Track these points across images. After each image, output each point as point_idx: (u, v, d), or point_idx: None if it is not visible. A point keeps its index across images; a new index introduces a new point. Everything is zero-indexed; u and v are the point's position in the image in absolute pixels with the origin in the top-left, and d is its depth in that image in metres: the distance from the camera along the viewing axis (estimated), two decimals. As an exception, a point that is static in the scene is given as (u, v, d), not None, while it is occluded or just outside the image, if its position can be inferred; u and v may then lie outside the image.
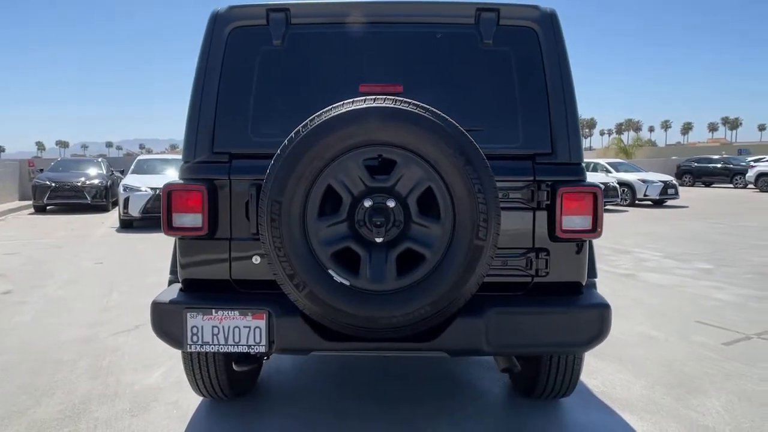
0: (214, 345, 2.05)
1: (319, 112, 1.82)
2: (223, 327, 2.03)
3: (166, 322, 2.07)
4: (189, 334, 2.04)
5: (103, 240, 9.00)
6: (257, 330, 2.03)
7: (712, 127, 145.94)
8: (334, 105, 1.82)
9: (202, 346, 2.05)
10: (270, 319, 2.01)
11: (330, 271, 1.81)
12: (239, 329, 2.03)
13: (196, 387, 2.62)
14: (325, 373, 3.28)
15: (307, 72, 2.18)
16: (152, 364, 3.38)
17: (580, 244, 2.12)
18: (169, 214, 2.10)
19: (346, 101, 1.81)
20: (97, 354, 3.56)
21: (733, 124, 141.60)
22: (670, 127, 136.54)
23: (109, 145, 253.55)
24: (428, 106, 1.79)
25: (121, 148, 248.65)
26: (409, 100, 1.79)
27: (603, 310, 2.03)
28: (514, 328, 1.99)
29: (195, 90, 2.18)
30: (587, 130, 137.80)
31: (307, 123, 1.81)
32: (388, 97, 1.80)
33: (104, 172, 13.99)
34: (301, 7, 2.16)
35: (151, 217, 10.06)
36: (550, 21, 2.15)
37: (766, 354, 3.44)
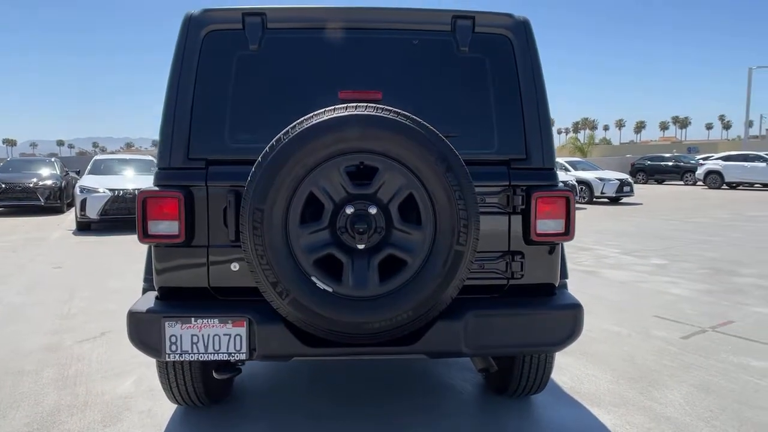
0: (194, 354, 2.02)
1: (300, 120, 1.83)
2: (202, 335, 2.01)
3: (144, 331, 2.03)
4: (167, 343, 2.01)
5: (60, 243, 8.65)
6: (237, 337, 2.02)
7: (664, 126, 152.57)
8: (315, 112, 1.83)
9: (181, 355, 2.02)
10: (251, 326, 2.01)
11: (313, 278, 1.83)
12: (219, 337, 2.02)
13: (171, 395, 2.58)
14: (298, 374, 3.27)
15: (284, 78, 2.18)
16: (122, 372, 3.29)
17: (553, 246, 2.20)
18: (145, 221, 2.05)
19: (327, 108, 1.83)
20: (63, 363, 3.44)
21: (683, 123, 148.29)
22: (624, 125, 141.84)
23: (60, 143, 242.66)
24: (409, 114, 1.83)
25: (74, 147, 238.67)
26: (390, 108, 1.82)
27: (576, 310, 2.12)
28: (491, 329, 2.05)
29: (169, 94, 2.14)
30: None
31: (288, 130, 1.81)
32: (369, 104, 1.82)
33: (58, 172, 13.44)
34: (277, 11, 2.16)
35: (110, 220, 9.75)
36: (523, 29, 2.22)
37: (722, 346, 3.65)
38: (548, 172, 2.20)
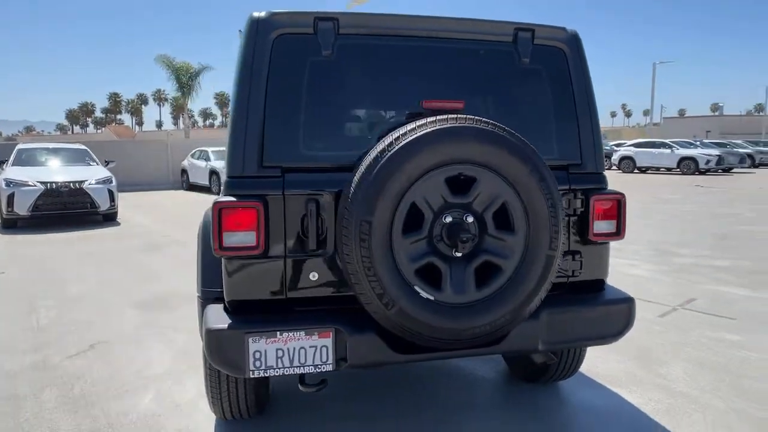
0: (279, 368, 1.98)
1: (401, 131, 1.82)
2: (287, 349, 1.97)
3: (226, 349, 1.95)
4: (251, 359, 1.95)
5: (-12, 245, 7.81)
6: (324, 349, 2.00)
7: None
8: (417, 123, 1.83)
9: (266, 370, 1.97)
10: (338, 336, 1.99)
11: (416, 287, 1.85)
12: (305, 350, 1.99)
13: (220, 408, 2.49)
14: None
15: (355, 84, 2.15)
16: (134, 388, 3.10)
17: (605, 245, 2.37)
18: (220, 232, 1.96)
19: (429, 119, 1.84)
20: (61, 383, 3.17)
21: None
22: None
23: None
24: (505, 127, 1.89)
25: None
26: (489, 120, 1.87)
27: (630, 303, 2.31)
28: (562, 326, 2.19)
29: (239, 99, 2.04)
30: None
31: (392, 142, 1.80)
32: (469, 116, 1.86)
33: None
34: (349, 17, 2.11)
35: (41, 216, 8.94)
36: (575, 42, 2.34)
37: (696, 323, 4.07)
38: (601, 176, 2.36)
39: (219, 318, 2.03)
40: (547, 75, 2.31)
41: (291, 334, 1.97)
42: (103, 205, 9.85)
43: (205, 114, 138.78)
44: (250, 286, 2.07)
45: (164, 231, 9.09)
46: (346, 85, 2.14)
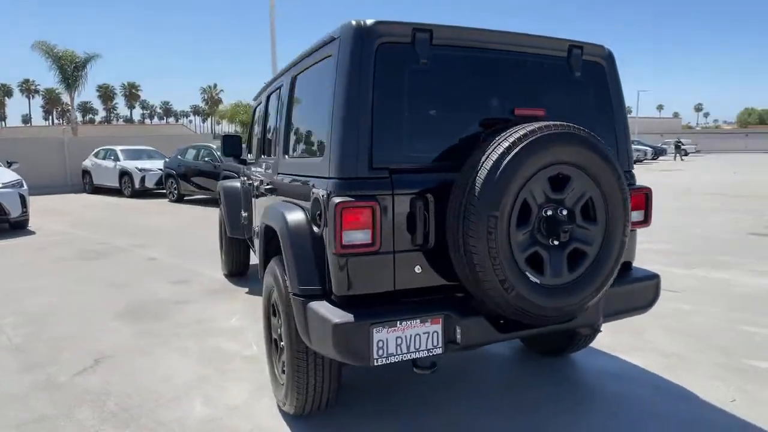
0: (398, 355, 2.13)
1: (519, 134, 2.05)
2: (405, 336, 2.13)
3: (352, 340, 2.06)
4: (375, 348, 2.08)
5: None
6: (435, 334, 2.18)
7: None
8: (525, 127, 2.08)
9: (387, 358, 2.11)
10: (446, 321, 2.18)
11: (526, 273, 2.10)
12: (420, 336, 2.16)
13: (303, 401, 2.54)
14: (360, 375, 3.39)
15: (447, 91, 2.34)
16: (174, 396, 3.02)
17: (635, 232, 2.80)
18: (340, 232, 2.07)
19: (536, 125, 2.09)
20: (88, 400, 2.99)
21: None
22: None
23: None
24: (592, 132, 2.20)
25: None
26: (583, 127, 2.17)
27: (657, 279, 2.75)
28: (614, 301, 2.56)
29: (347, 104, 2.15)
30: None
31: (513, 144, 2.03)
32: (566, 123, 2.14)
33: None
34: (441, 29, 2.29)
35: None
36: (611, 58, 2.73)
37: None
38: (631, 173, 2.77)
39: (337, 313, 2.12)
40: (591, 86, 2.67)
41: (408, 322, 2.13)
42: (14, 211, 8.89)
43: (85, 108, 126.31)
44: (364, 282, 2.19)
45: (95, 238, 8.42)
46: (440, 92, 2.33)
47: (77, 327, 4.19)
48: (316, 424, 2.69)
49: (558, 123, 2.13)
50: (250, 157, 4.65)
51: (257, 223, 3.79)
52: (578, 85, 2.62)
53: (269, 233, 2.97)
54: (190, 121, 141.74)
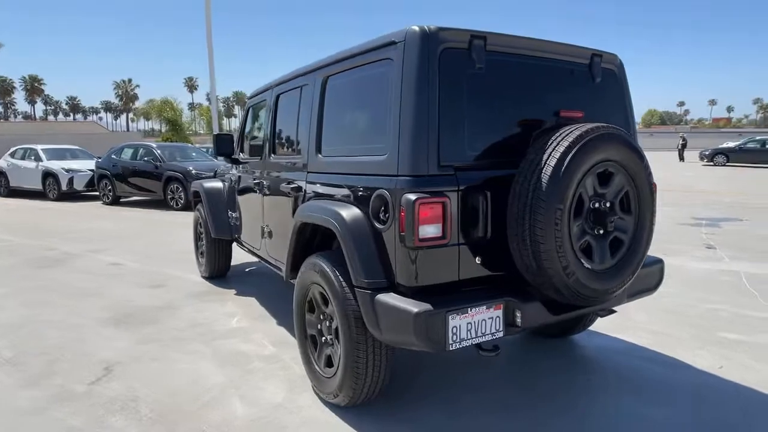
0: (468, 339, 2.29)
1: (578, 133, 2.27)
2: (474, 322, 2.29)
3: (431, 327, 2.19)
4: (450, 334, 2.23)
5: None
6: (497, 319, 2.36)
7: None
8: (581, 128, 2.30)
9: (460, 342, 2.26)
10: (507, 306, 2.37)
11: (581, 260, 2.34)
12: (485, 321, 2.33)
13: (360, 389, 2.62)
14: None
15: (499, 94, 2.52)
16: (210, 398, 2.98)
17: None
18: (417, 226, 2.20)
19: (590, 126, 2.32)
20: (117, 408, 2.87)
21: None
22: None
23: None
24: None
25: None
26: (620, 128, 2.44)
27: (662, 264, 3.11)
28: (634, 283, 2.87)
29: (418, 106, 2.27)
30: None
31: (573, 142, 2.24)
32: (611, 126, 2.40)
33: None
34: (494, 37, 2.46)
35: None
36: (622, 65, 3.04)
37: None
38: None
39: (413, 303, 2.24)
40: (608, 90, 2.96)
41: (477, 309, 2.29)
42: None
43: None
44: (432, 273, 2.32)
45: (39, 244, 7.81)
46: (492, 95, 2.50)
47: (65, 337, 3.95)
48: (364, 412, 2.78)
49: (606, 125, 2.38)
50: (242, 156, 4.59)
51: (271, 222, 3.78)
52: (598, 89, 2.91)
53: (305, 231, 3.02)
54: (101, 118, 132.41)
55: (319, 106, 3.07)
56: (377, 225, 2.45)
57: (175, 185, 12.26)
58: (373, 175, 2.49)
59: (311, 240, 3.08)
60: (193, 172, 11.99)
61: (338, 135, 2.98)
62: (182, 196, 12.09)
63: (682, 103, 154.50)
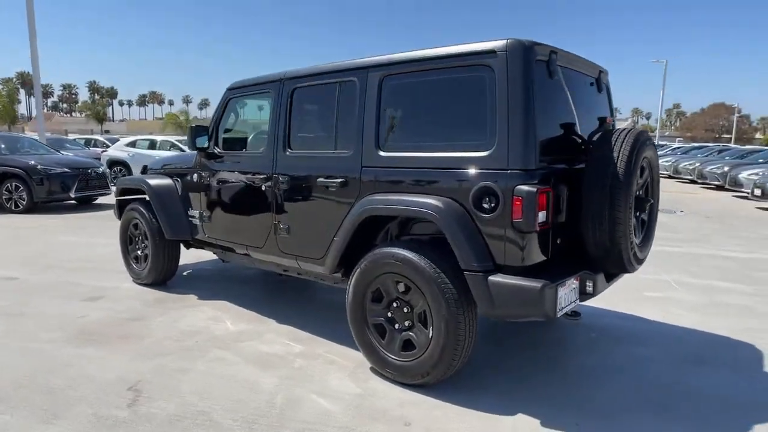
0: (564, 307, 2.71)
1: (634, 135, 2.82)
2: (567, 292, 2.73)
3: (549, 299, 2.56)
4: (557, 303, 2.63)
5: None
6: (576, 289, 2.83)
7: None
8: (636, 129, 2.88)
9: (561, 310, 2.67)
10: (583, 278, 2.85)
11: (633, 237, 2.92)
12: (572, 290, 2.78)
13: (456, 363, 2.86)
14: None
15: (563, 101, 2.96)
16: (286, 398, 2.91)
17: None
18: (537, 212, 2.55)
19: (634, 129, 2.91)
20: (189, 425, 2.64)
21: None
22: (191, 101, 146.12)
23: None
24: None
25: None
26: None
27: None
28: None
29: (525, 110, 2.61)
30: (107, 100, 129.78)
31: (634, 143, 2.79)
32: (645, 130, 3.02)
33: None
34: (560, 53, 2.90)
35: None
36: (608, 77, 3.75)
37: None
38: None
39: (529, 280, 2.58)
40: (605, 98, 3.63)
41: (570, 281, 2.73)
42: None
43: None
44: (536, 253, 2.68)
45: None
46: (560, 102, 2.93)
47: (42, 364, 3.33)
48: (438, 388, 3.01)
49: (645, 130, 3.01)
50: (220, 150, 4.31)
51: (293, 217, 3.67)
52: (602, 98, 3.57)
53: (365, 223, 3.14)
54: None
55: (377, 103, 3.17)
56: (478, 213, 2.72)
57: (13, 183, 10.33)
58: (471, 169, 2.75)
59: (368, 233, 3.20)
60: (39, 167, 10.27)
61: (408, 132, 3.12)
62: (24, 196, 10.26)
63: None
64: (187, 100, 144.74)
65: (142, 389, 3.01)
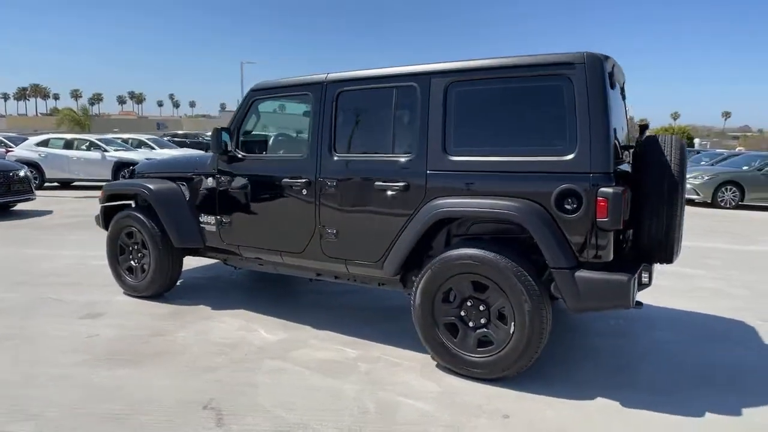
0: (635, 297, 2.98)
1: (680, 141, 3.16)
2: (635, 283, 3.00)
3: (632, 290, 2.83)
4: (633, 292, 2.90)
5: None
6: (637, 279, 3.12)
7: (121, 100, 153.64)
8: (677, 138, 3.21)
9: (634, 299, 2.94)
10: (642, 270, 3.14)
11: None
12: (637, 281, 3.06)
13: (535, 357, 3.03)
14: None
15: (618, 109, 3.23)
16: (375, 402, 2.92)
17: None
18: (621, 212, 2.79)
19: (675, 136, 3.25)
20: (299, 437, 2.58)
21: (139, 98, 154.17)
22: (80, 96, 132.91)
23: None
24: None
25: None
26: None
27: None
28: None
29: (606, 117, 2.83)
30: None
31: (681, 148, 3.12)
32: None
33: None
34: (612, 63, 3.17)
35: None
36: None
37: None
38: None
39: (614, 274, 2.84)
40: (625, 106, 3.99)
41: (639, 272, 3.01)
42: None
43: None
44: (611, 249, 2.91)
45: None
46: (618, 109, 3.20)
47: (82, 389, 3.03)
48: (510, 379, 3.18)
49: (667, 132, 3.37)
50: (241, 153, 4.14)
51: (343, 221, 3.63)
52: (622, 103, 3.92)
53: (438, 225, 3.23)
54: None
55: (443, 109, 3.25)
56: (560, 214, 2.92)
57: None
58: (552, 172, 2.93)
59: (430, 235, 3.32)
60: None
61: (479, 137, 3.22)
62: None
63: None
64: (76, 95, 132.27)
65: (219, 407, 2.86)
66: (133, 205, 4.95)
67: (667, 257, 3.23)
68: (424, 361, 3.43)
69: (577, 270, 2.89)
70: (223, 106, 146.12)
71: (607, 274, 2.86)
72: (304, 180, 3.76)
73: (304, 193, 3.78)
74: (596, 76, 2.88)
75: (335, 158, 3.66)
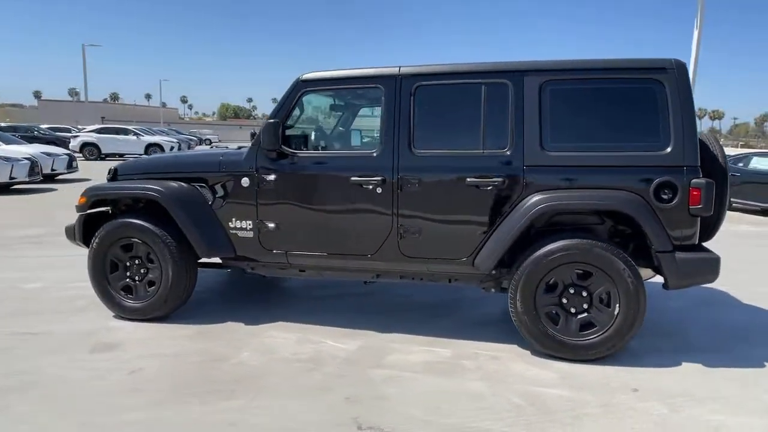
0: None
1: (717, 139, 3.70)
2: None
3: (720, 267, 3.28)
4: (714, 270, 3.37)
5: None
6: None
7: None
8: (711, 134, 3.77)
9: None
10: None
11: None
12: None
13: (637, 329, 3.34)
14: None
15: None
16: (473, 402, 2.96)
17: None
18: (711, 199, 3.22)
19: (709, 133, 3.81)
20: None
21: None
22: None
23: None
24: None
25: None
26: None
27: None
28: None
29: (692, 116, 3.21)
30: None
31: (721, 145, 3.66)
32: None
33: None
34: None
35: None
36: None
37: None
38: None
39: (707, 254, 3.28)
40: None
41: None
42: None
43: None
44: (696, 233, 3.34)
45: None
46: None
47: (188, 428, 2.56)
48: (613, 357, 3.46)
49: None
50: (289, 150, 3.78)
51: (426, 219, 3.54)
52: None
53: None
54: None
55: (539, 106, 3.37)
56: (657, 203, 3.25)
57: None
58: (650, 166, 3.25)
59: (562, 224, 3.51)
60: None
61: (576, 133, 3.37)
62: None
63: (250, 99, 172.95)
64: None
65: (379, 425, 2.65)
66: (122, 213, 4.19)
67: (711, 235, 3.77)
68: (515, 351, 3.55)
69: (674, 252, 3.26)
70: (37, 94, 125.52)
71: (703, 254, 3.29)
72: (378, 178, 3.58)
73: (379, 192, 3.60)
74: (684, 79, 3.26)
75: (416, 154, 3.56)
